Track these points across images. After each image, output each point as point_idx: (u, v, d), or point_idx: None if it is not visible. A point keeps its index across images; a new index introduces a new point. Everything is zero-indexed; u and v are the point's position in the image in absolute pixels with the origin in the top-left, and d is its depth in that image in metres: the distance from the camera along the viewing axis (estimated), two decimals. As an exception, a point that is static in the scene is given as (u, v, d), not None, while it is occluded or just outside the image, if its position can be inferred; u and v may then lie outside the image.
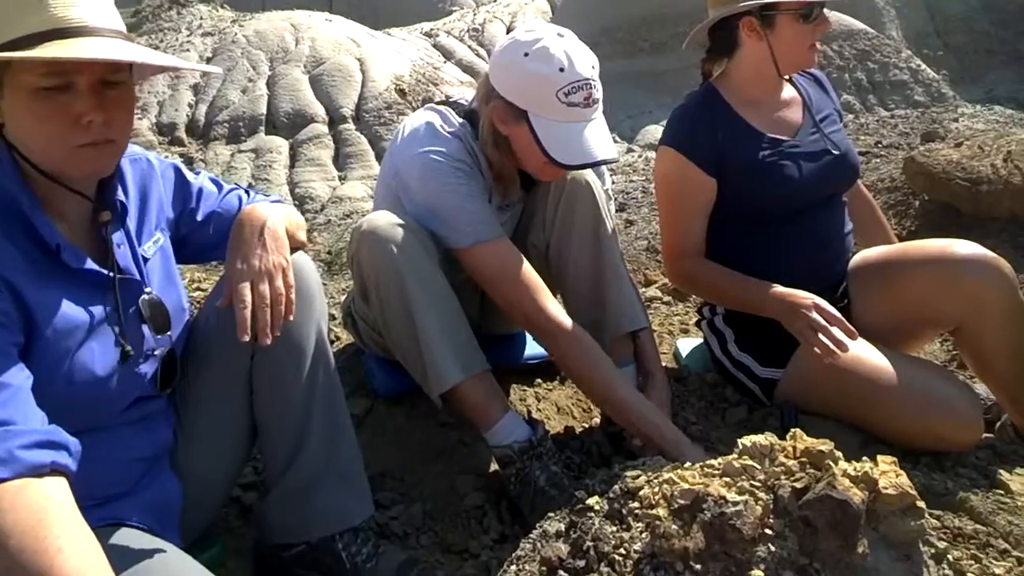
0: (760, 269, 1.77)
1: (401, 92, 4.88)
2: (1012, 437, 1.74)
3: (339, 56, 5.44)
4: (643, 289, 3.00)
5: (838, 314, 1.61)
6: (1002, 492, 1.44)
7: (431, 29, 8.27)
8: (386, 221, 1.55)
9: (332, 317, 2.37)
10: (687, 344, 2.27)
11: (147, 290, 1.21)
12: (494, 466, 1.64)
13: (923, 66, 6.39)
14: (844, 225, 1.92)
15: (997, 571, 1.18)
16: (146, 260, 1.24)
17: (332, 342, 2.22)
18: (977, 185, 2.71)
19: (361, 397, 1.90)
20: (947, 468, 1.54)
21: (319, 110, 4.84)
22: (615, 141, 5.05)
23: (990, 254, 1.69)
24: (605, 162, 1.57)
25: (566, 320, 1.58)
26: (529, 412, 1.91)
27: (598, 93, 1.56)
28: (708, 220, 1.86)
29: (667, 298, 2.88)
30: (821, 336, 1.58)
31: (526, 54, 1.55)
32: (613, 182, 3.94)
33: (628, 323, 1.75)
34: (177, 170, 1.37)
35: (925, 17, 7.75)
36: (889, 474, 1.19)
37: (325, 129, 4.65)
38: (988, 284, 1.66)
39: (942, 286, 1.69)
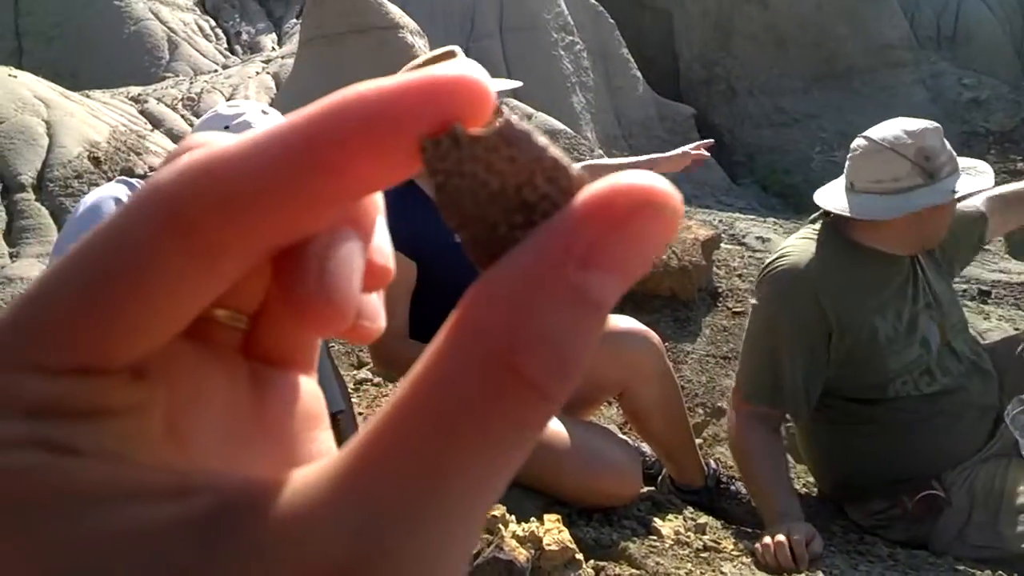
0: None
1: (96, 160, 4.45)
2: (670, 488, 2.00)
3: (22, 116, 4.84)
4: (355, 371, 2.99)
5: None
6: (655, 537, 1.64)
7: (139, 94, 7.72)
8: None
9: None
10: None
11: None
12: None
13: (611, 163, 7.36)
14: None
15: (646, 609, 1.33)
16: None
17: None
18: (644, 267, 3.14)
19: None
20: (614, 521, 1.71)
21: (-9, 176, 4.24)
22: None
23: (643, 327, 1.96)
24: None
25: None
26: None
27: None
28: (410, 301, 1.94)
29: (377, 380, 2.90)
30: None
31: (227, 127, 1.56)
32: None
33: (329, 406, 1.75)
34: None
35: (614, 122, 8.97)
36: (553, 531, 1.30)
37: (-4, 198, 4.07)
38: (641, 352, 1.91)
39: (606, 355, 1.91)
